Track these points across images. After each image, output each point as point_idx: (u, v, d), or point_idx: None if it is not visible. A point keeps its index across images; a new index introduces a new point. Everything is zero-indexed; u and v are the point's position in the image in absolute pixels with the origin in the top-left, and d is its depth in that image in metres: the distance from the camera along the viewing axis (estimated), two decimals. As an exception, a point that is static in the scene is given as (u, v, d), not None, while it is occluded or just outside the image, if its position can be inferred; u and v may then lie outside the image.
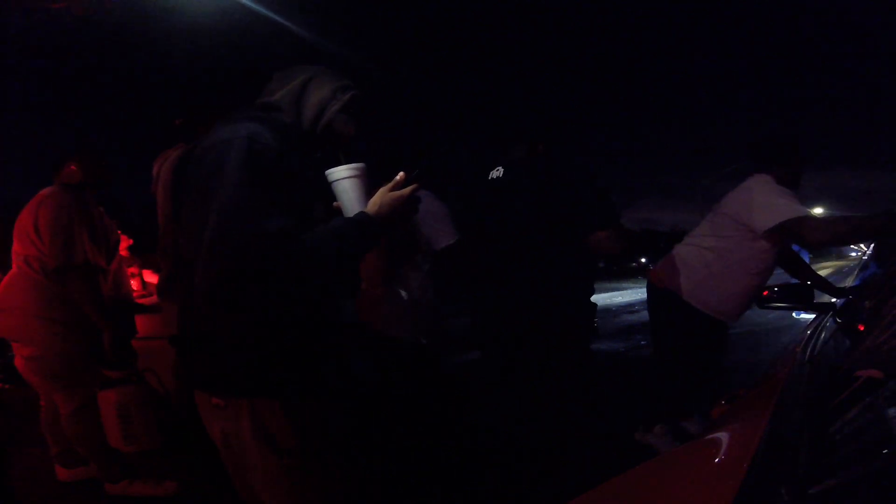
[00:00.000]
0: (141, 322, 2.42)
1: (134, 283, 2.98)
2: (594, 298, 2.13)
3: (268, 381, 0.97)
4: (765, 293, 2.08)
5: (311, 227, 0.97)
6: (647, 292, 2.51)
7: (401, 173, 1.05)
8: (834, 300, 2.09)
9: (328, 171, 1.03)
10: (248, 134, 0.94)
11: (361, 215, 1.00)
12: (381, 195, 1.03)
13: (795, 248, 2.46)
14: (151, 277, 2.98)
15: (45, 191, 2.09)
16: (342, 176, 1.02)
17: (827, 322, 1.57)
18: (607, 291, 17.69)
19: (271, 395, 0.97)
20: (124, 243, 2.46)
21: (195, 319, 1.01)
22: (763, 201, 2.05)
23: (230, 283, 0.87)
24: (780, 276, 2.39)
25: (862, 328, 1.23)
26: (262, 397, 0.97)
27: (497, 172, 2.10)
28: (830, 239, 1.96)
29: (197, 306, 0.98)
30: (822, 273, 2.76)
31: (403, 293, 2.10)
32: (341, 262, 0.97)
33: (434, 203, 1.97)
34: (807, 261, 2.63)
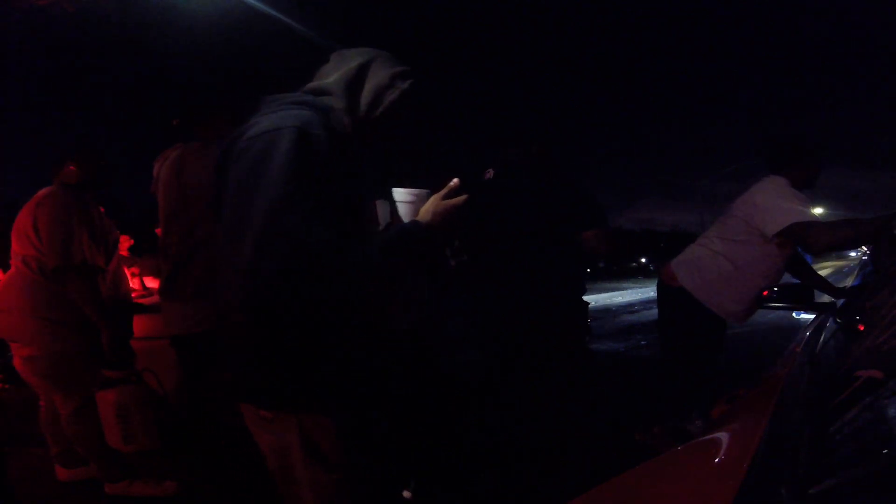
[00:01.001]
0: (139, 322, 2.42)
1: (134, 283, 2.98)
2: (592, 298, 2.14)
3: (316, 396, 0.93)
4: (765, 293, 2.08)
5: (361, 224, 0.96)
6: (658, 290, 2.52)
7: (455, 179, 0.99)
8: (834, 300, 2.09)
9: (393, 190, 1.02)
10: (298, 123, 0.86)
11: (413, 224, 0.96)
12: (434, 203, 0.97)
13: (798, 248, 2.46)
14: (152, 283, 2.98)
15: (44, 191, 2.09)
16: (402, 199, 1.01)
17: (827, 322, 1.57)
18: (607, 291, 17.68)
19: (320, 410, 0.93)
20: (125, 244, 2.45)
21: (235, 329, 0.94)
22: (772, 204, 2.05)
23: (274, 295, 0.81)
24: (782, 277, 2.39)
25: (862, 328, 1.23)
26: (311, 413, 0.93)
27: (488, 174, 2.12)
28: (835, 244, 1.96)
29: (236, 316, 0.92)
30: (822, 273, 2.76)
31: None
32: (390, 274, 0.95)
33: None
34: (809, 261, 2.63)
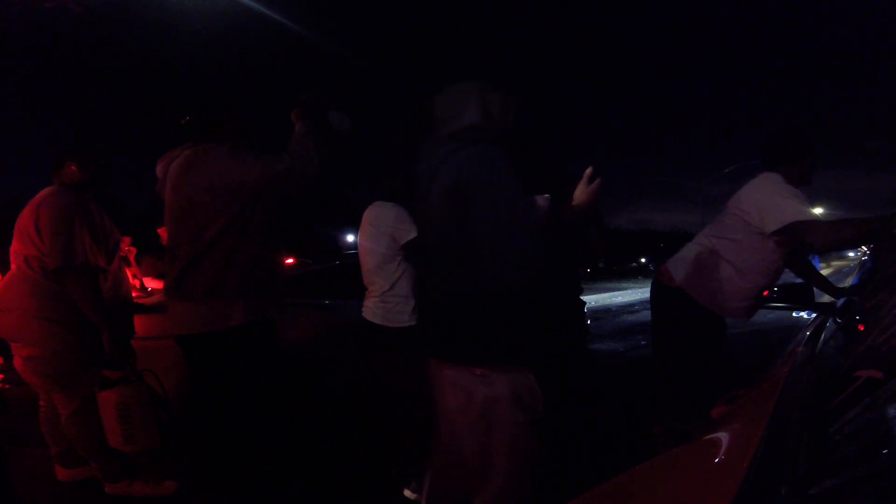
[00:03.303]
0: (140, 322, 2.42)
1: (134, 281, 2.96)
2: (592, 298, 2.15)
3: (523, 354, 1.27)
4: (765, 293, 2.07)
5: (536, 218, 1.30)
6: (654, 289, 2.50)
7: (589, 168, 1.30)
8: (834, 300, 2.09)
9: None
10: (493, 156, 1.24)
11: (576, 207, 1.33)
12: (580, 190, 1.32)
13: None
14: (153, 283, 2.97)
15: (46, 191, 2.09)
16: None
17: (827, 322, 1.57)
18: (607, 291, 17.68)
19: (525, 364, 1.28)
20: (125, 244, 2.44)
21: (456, 307, 1.26)
22: (769, 201, 2.03)
23: (515, 276, 1.19)
24: (782, 276, 2.38)
25: (862, 328, 1.23)
26: (519, 366, 1.27)
27: None
28: (836, 244, 1.94)
29: (456, 297, 1.25)
30: (822, 273, 2.76)
31: (389, 285, 2.16)
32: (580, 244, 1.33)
33: (395, 209, 2.21)
34: (816, 262, 2.62)
